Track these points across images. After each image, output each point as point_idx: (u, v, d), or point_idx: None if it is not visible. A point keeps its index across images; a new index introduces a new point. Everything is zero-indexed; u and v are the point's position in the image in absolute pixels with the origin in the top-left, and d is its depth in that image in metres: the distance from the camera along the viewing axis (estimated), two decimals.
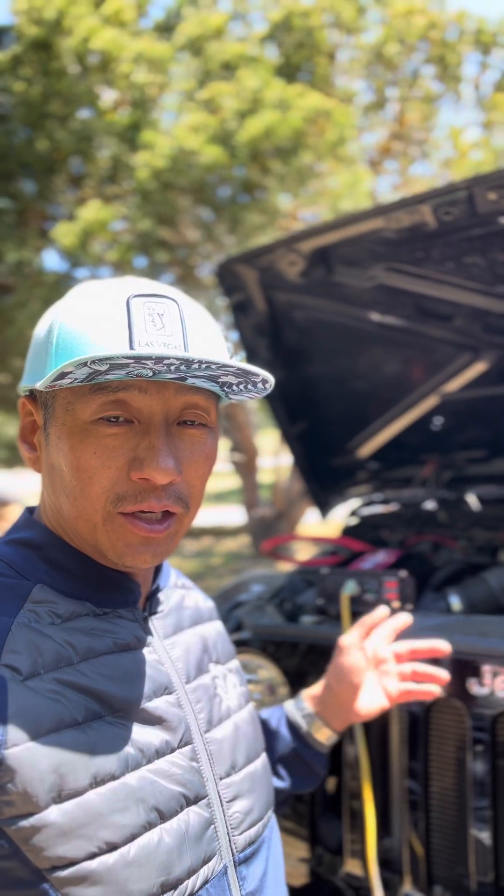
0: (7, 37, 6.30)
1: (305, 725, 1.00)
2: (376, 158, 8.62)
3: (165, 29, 6.74)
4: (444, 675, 1.09)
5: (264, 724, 1.00)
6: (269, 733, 0.99)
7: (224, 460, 8.73)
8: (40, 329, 0.70)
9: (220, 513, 12.56)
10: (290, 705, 1.04)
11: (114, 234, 6.23)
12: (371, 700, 1.02)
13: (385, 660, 1.08)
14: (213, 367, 0.60)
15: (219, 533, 10.81)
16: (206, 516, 12.32)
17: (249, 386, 0.66)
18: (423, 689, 1.08)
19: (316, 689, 1.06)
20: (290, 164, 5.76)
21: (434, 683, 1.09)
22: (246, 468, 8.23)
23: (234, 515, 10.80)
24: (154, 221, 6.02)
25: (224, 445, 8.93)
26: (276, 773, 0.97)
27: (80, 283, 0.73)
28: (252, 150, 5.66)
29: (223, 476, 14.96)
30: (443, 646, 1.10)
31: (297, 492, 7.76)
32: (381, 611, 1.15)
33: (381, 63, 8.13)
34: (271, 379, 0.65)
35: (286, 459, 8.24)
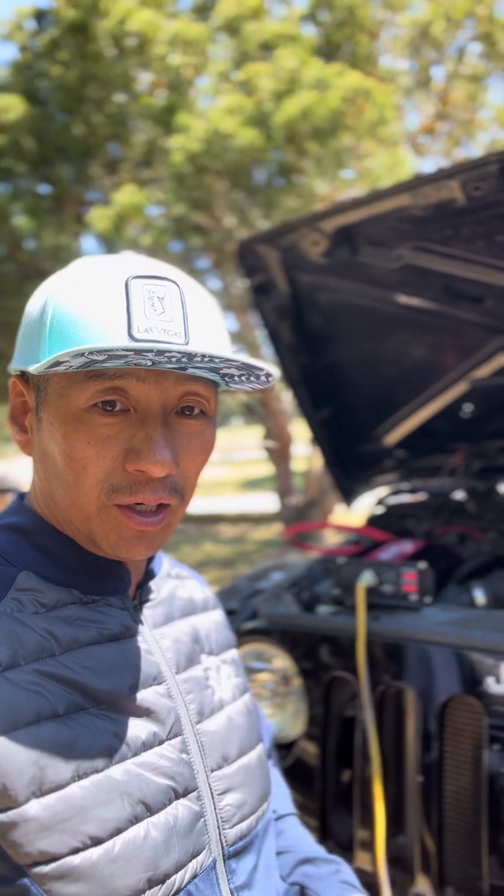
0: (45, 21, 6.31)
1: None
2: (420, 139, 8.41)
3: (203, 10, 6.64)
4: None
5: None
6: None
7: (257, 447, 8.66)
8: (33, 307, 0.67)
9: (253, 500, 12.57)
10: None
11: (148, 219, 6.22)
12: None
13: None
14: (216, 360, 0.57)
15: (253, 520, 10.82)
16: (240, 503, 12.34)
17: (252, 378, 0.63)
18: None
19: None
20: (328, 146, 5.63)
21: None
22: (279, 455, 8.19)
23: (267, 503, 10.78)
24: (188, 206, 5.98)
25: (257, 432, 8.88)
26: None
27: (77, 259, 0.70)
28: (288, 131, 5.55)
29: (257, 463, 14.94)
30: None
31: (329, 480, 7.69)
32: None
33: (426, 41, 7.89)
34: (276, 372, 0.62)
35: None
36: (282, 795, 0.92)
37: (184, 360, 0.56)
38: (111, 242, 6.37)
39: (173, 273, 0.64)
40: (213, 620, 0.86)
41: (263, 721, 0.94)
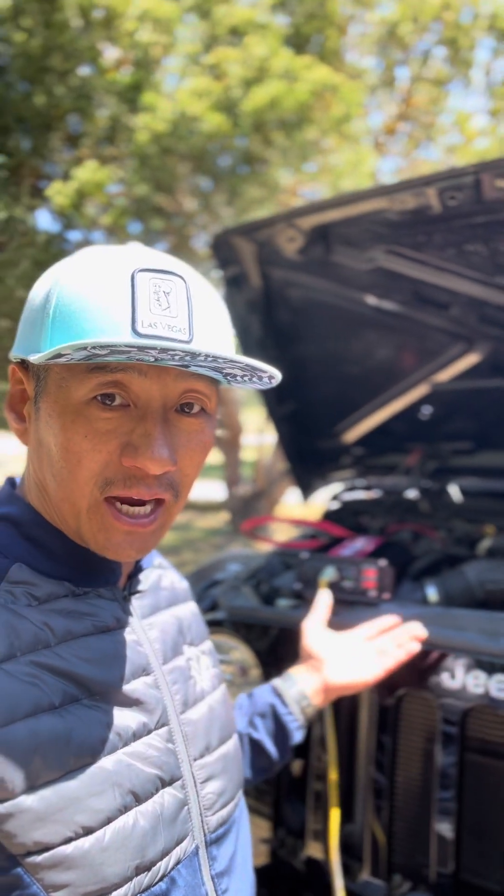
0: None
1: (287, 690, 1.05)
2: (381, 139, 8.50)
3: None
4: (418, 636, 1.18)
5: (251, 695, 1.06)
6: (254, 699, 1.04)
7: None
8: (36, 295, 0.65)
9: (200, 488, 12.54)
10: (277, 679, 1.09)
11: (109, 197, 6.09)
12: (346, 674, 1.09)
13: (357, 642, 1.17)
14: (220, 360, 0.57)
15: (199, 508, 10.80)
16: None
17: (254, 379, 0.63)
18: (397, 653, 1.15)
19: (299, 666, 1.12)
20: (294, 138, 5.64)
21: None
22: (229, 445, 8.20)
23: (214, 491, 10.80)
24: (151, 187, 5.89)
25: None
26: (253, 725, 1.00)
27: (84, 248, 0.69)
28: (256, 120, 5.52)
29: None
30: (419, 631, 1.18)
31: (278, 471, 7.76)
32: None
33: (393, 41, 7.96)
34: (278, 375, 0.62)
35: (269, 438, 8.22)
36: None
37: (187, 358, 0.56)
38: (69, 219, 6.22)
39: (180, 267, 0.64)
40: (191, 611, 0.87)
41: None
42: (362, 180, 6.09)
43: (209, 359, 0.56)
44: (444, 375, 1.92)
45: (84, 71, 6.04)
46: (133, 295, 0.59)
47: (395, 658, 1.12)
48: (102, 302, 0.59)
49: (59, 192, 5.69)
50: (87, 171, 5.64)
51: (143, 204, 5.96)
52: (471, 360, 1.84)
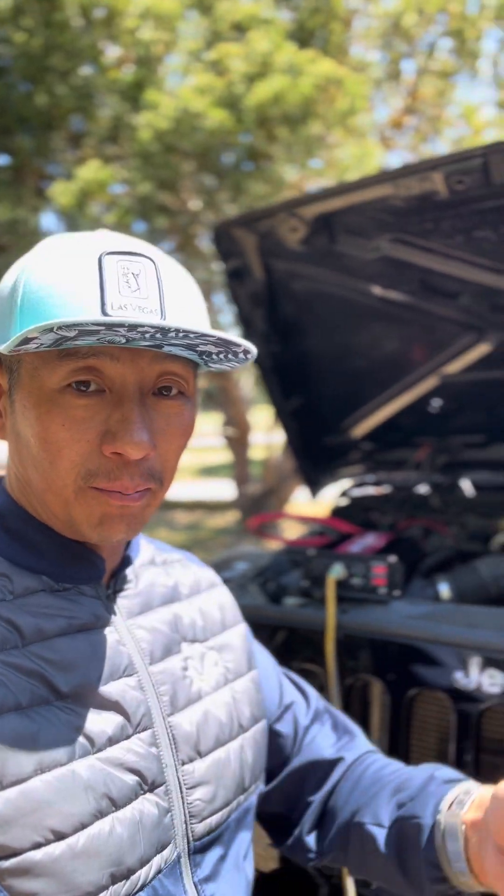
0: None
1: (451, 838, 0.69)
2: (388, 133, 8.43)
3: None
4: None
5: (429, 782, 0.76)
6: (417, 799, 0.75)
7: (216, 434, 8.63)
8: (4, 286, 0.64)
9: (210, 487, 12.53)
10: (446, 811, 0.71)
11: (113, 197, 6.07)
12: None
13: None
14: (192, 336, 0.55)
15: (209, 507, 10.79)
16: (196, 490, 12.29)
17: (230, 356, 0.61)
18: None
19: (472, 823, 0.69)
20: (298, 133, 5.59)
21: None
22: (238, 443, 8.17)
23: (224, 490, 10.77)
24: (154, 185, 5.86)
25: (217, 420, 8.84)
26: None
27: (50, 237, 0.67)
28: (259, 115, 5.48)
29: (215, 450, 14.94)
30: None
31: (288, 469, 7.71)
32: None
33: (398, 34, 7.89)
34: (253, 349, 0.60)
35: (279, 436, 8.19)
36: (353, 739, 0.89)
37: (158, 335, 0.55)
38: (73, 219, 6.20)
39: (149, 249, 0.62)
40: (201, 605, 0.82)
41: (300, 683, 0.92)
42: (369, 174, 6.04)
43: (180, 334, 0.55)
44: (454, 367, 1.88)
45: (86, 70, 6.02)
46: (101, 278, 0.57)
47: None
48: (70, 287, 0.58)
49: (62, 192, 5.68)
50: (90, 171, 5.62)
51: (146, 203, 5.93)
52: (481, 350, 1.80)
